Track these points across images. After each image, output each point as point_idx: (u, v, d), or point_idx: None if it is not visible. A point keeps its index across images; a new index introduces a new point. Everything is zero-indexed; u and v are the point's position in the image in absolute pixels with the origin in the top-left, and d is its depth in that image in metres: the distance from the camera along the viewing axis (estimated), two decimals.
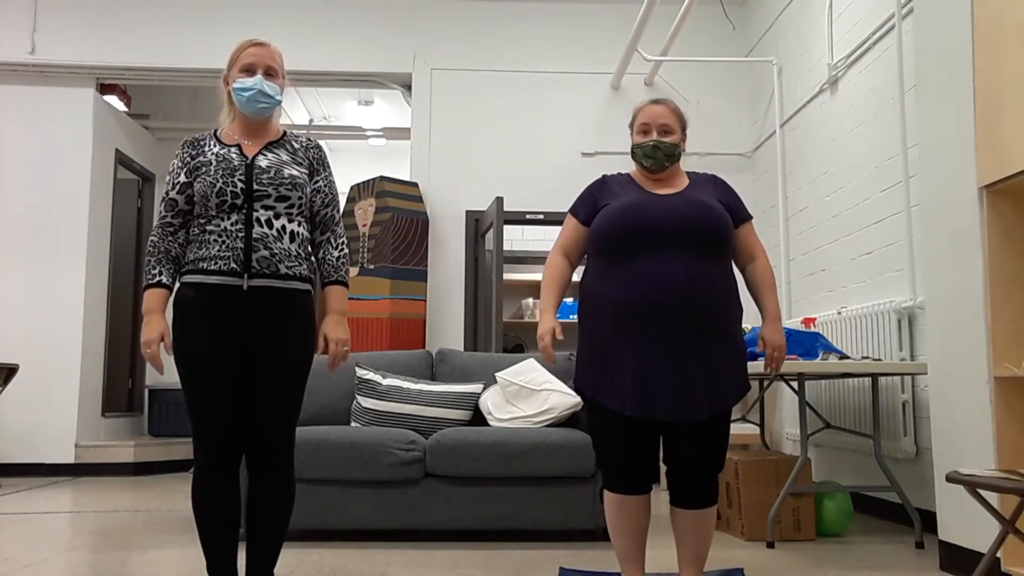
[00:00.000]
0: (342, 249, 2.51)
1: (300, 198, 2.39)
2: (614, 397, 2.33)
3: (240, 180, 2.33)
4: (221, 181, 2.32)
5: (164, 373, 2.42)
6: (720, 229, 2.38)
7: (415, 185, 6.19)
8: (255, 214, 2.32)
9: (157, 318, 2.33)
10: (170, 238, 2.39)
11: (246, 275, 2.31)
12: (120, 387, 7.17)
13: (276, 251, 2.33)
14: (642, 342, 2.30)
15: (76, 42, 6.32)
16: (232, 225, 2.31)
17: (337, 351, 2.43)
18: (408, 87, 6.58)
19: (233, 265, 2.30)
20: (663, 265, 2.31)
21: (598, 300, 2.41)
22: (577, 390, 2.46)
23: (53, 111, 6.36)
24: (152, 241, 2.40)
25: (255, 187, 2.33)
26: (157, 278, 2.36)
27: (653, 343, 2.29)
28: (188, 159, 2.41)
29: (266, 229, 2.33)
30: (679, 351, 2.28)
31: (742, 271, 2.58)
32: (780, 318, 2.53)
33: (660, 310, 2.29)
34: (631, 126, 2.57)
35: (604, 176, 2.60)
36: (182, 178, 2.40)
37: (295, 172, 2.40)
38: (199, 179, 2.35)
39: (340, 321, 2.45)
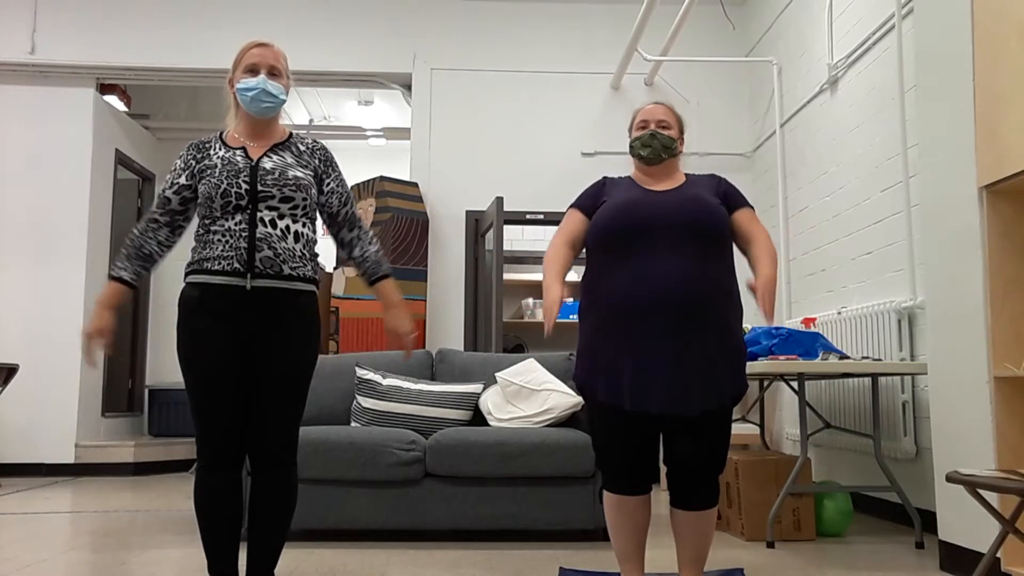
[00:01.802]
0: (375, 243, 2.55)
1: (304, 199, 2.39)
2: (611, 392, 2.33)
3: (245, 182, 2.33)
4: (226, 183, 2.32)
5: (94, 367, 2.45)
6: (715, 224, 2.39)
7: (415, 185, 6.20)
8: (259, 214, 2.33)
9: (104, 313, 2.36)
10: (150, 234, 2.40)
11: (249, 275, 2.31)
12: (120, 387, 7.17)
13: (280, 251, 2.33)
14: (639, 338, 2.30)
15: (76, 42, 6.32)
16: (236, 225, 2.32)
17: (408, 344, 2.50)
18: (408, 87, 6.58)
19: (236, 265, 2.30)
20: (660, 261, 2.33)
21: (597, 297, 2.41)
22: (578, 387, 2.46)
23: (53, 111, 6.36)
24: (132, 234, 2.41)
25: (259, 188, 2.33)
26: (119, 273, 2.38)
27: (650, 339, 2.30)
28: (192, 162, 2.41)
29: (270, 229, 2.33)
30: (675, 347, 2.29)
31: (745, 253, 2.53)
32: (774, 261, 2.43)
33: (657, 306, 2.30)
34: (630, 129, 2.61)
35: (605, 178, 2.62)
36: (182, 180, 2.40)
37: (299, 174, 2.41)
38: (204, 181, 2.36)
39: (401, 312, 2.50)
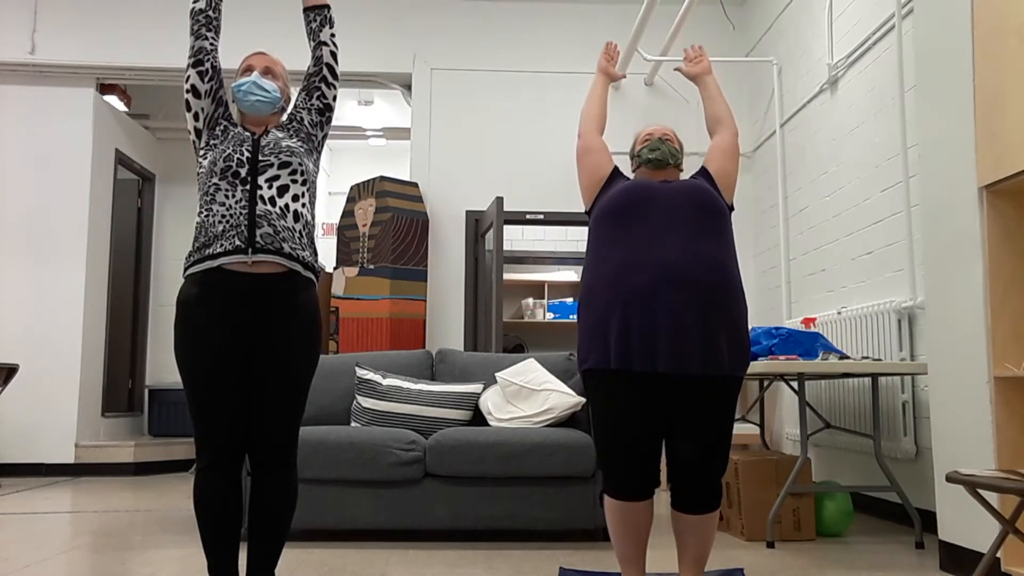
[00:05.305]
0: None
1: (300, 164, 2.46)
2: (620, 357, 2.32)
3: (248, 150, 2.42)
4: (230, 149, 2.41)
5: None
6: (714, 203, 2.45)
7: (415, 185, 6.20)
8: (259, 191, 2.37)
9: None
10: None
11: (250, 249, 2.32)
12: (120, 387, 7.17)
13: (279, 228, 2.37)
14: (643, 311, 2.31)
15: (76, 42, 6.32)
16: (236, 204, 2.36)
17: None
18: (408, 87, 6.59)
19: (237, 242, 2.33)
20: (662, 238, 2.37)
21: (600, 278, 2.42)
22: (584, 372, 2.44)
23: (53, 111, 6.37)
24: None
25: (260, 158, 2.41)
26: None
27: (652, 312, 2.31)
28: (222, 107, 2.53)
29: (269, 207, 2.38)
30: (677, 319, 2.30)
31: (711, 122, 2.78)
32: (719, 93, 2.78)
33: (659, 282, 2.32)
34: (632, 149, 2.71)
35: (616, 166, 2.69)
36: (216, 87, 2.52)
37: (292, 144, 2.49)
38: (212, 149, 2.44)
39: None
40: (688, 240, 2.37)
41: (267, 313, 2.35)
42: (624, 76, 3.10)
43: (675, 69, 2.98)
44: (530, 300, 7.79)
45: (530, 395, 3.85)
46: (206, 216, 2.39)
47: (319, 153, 2.63)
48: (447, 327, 6.24)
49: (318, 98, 2.59)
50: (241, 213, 2.35)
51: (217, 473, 2.34)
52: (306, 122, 2.57)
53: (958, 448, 2.89)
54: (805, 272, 5.38)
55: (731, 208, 2.63)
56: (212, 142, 2.47)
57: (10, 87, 6.35)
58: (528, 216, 6.30)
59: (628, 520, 2.40)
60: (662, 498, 4.96)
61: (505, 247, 7.13)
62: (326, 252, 8.21)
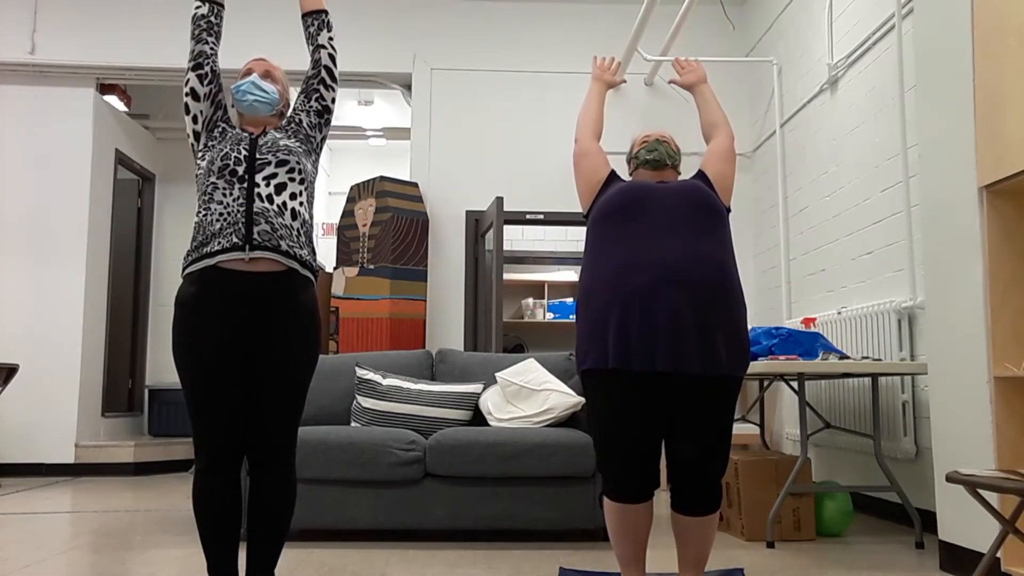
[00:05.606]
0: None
1: (298, 163, 2.47)
2: (619, 356, 2.32)
3: (245, 148, 2.43)
4: (228, 147, 2.43)
5: None
6: (712, 202, 2.47)
7: (415, 185, 6.20)
8: (256, 189, 2.38)
9: None
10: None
11: (247, 247, 2.32)
12: (120, 387, 7.17)
13: (277, 226, 2.37)
14: (641, 310, 2.31)
15: (76, 42, 6.32)
16: (234, 201, 2.36)
17: None
18: (408, 87, 6.59)
19: (235, 240, 2.33)
20: (660, 238, 2.38)
21: (599, 277, 2.42)
22: (583, 372, 2.43)
23: (53, 111, 6.37)
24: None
25: (257, 156, 2.42)
26: None
27: (650, 311, 2.30)
28: (220, 110, 2.54)
29: (266, 204, 2.38)
30: (675, 318, 2.29)
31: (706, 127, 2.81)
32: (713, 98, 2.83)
33: (657, 280, 2.32)
34: (629, 152, 2.72)
35: (613, 170, 2.71)
36: (216, 92, 2.54)
37: (290, 143, 2.50)
38: (210, 150, 2.45)
39: None
40: (687, 240, 2.37)
41: (266, 313, 2.35)
42: (624, 81, 3.15)
43: (670, 82, 3.05)
44: (530, 300, 7.79)
45: (530, 395, 3.85)
46: (204, 215, 2.39)
47: (318, 155, 2.63)
48: (447, 327, 6.24)
49: (317, 100, 2.60)
50: (239, 211, 2.35)
51: (216, 473, 2.34)
52: (305, 124, 2.58)
53: (958, 448, 2.89)
54: (805, 272, 5.37)
55: (728, 210, 2.63)
56: (210, 143, 2.47)
57: (10, 87, 6.35)
58: (528, 216, 6.30)
59: (628, 522, 2.40)
60: (662, 498, 4.96)
61: (505, 247, 7.13)
62: (326, 252, 8.21)
